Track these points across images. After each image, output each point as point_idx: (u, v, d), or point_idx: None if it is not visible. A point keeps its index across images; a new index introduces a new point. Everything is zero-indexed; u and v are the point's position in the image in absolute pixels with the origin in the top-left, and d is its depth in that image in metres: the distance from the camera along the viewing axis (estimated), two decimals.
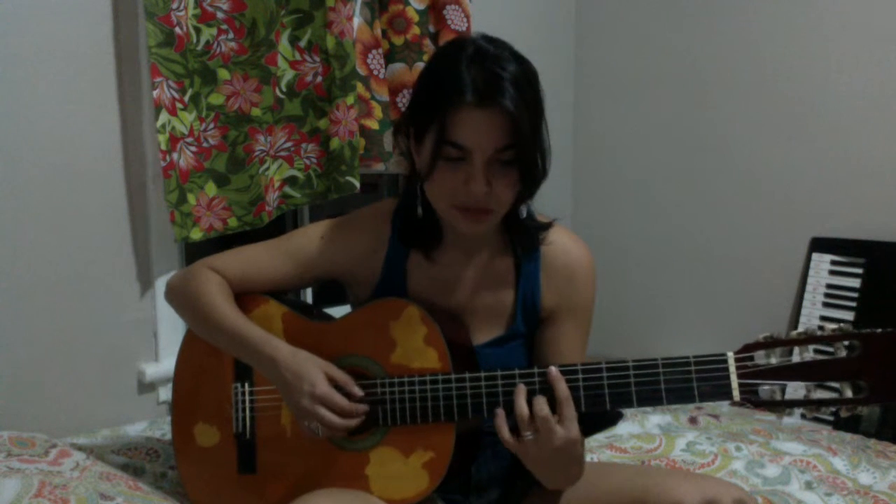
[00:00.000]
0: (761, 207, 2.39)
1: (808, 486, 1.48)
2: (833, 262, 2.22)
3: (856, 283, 2.16)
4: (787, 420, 1.94)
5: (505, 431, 0.98)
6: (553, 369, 0.99)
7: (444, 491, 1.16)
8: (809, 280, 2.25)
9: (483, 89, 0.99)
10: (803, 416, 2.15)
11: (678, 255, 2.61)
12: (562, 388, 0.98)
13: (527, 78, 1.03)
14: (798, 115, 2.29)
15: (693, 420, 1.84)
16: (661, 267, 2.66)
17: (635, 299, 2.71)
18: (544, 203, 1.20)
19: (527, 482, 1.23)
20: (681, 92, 2.56)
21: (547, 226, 1.17)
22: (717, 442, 1.66)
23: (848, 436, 1.79)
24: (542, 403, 0.97)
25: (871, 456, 1.63)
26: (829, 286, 2.21)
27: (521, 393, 0.99)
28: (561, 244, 1.18)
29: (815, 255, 2.26)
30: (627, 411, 1.88)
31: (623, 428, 1.76)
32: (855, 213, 2.20)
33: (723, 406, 2.07)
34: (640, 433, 1.74)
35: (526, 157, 1.02)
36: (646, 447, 1.66)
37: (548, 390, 1.00)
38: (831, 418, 2.13)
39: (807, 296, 2.25)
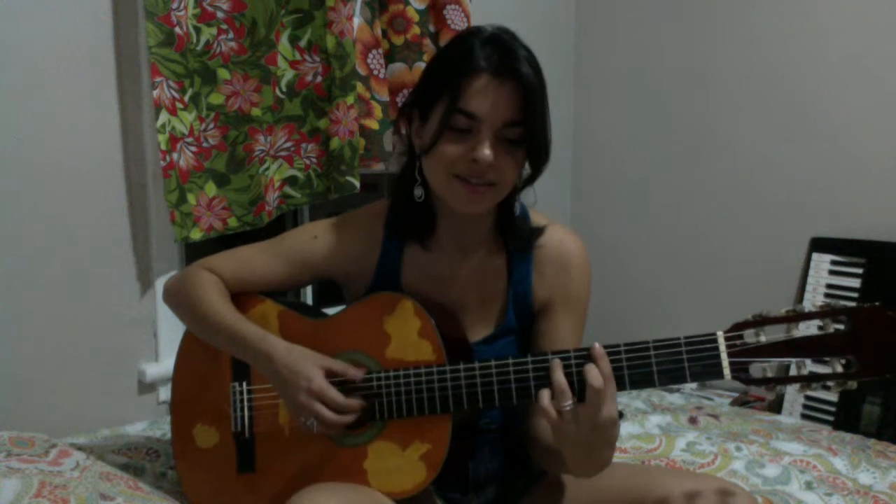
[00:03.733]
0: (761, 207, 2.39)
1: (808, 486, 1.48)
2: (833, 262, 2.22)
3: (856, 283, 2.16)
4: (786, 420, 1.95)
5: (546, 399, 0.96)
6: (597, 346, 0.98)
7: (443, 489, 1.17)
8: (809, 280, 2.25)
9: (499, 62, 1.02)
10: (803, 416, 2.16)
11: (677, 255, 2.61)
12: (605, 364, 0.96)
13: (537, 64, 1.06)
14: (798, 115, 2.29)
15: (693, 420, 1.84)
16: (661, 267, 2.66)
17: (635, 299, 2.71)
18: (544, 202, 1.21)
19: (525, 480, 1.23)
20: (680, 92, 2.56)
21: (541, 230, 1.17)
22: (717, 442, 1.66)
23: (848, 436, 1.79)
24: (595, 373, 0.94)
25: (871, 456, 1.63)
26: (829, 286, 2.21)
27: (558, 367, 0.98)
28: (553, 236, 1.19)
29: (815, 255, 2.26)
30: (627, 411, 1.89)
31: (623, 428, 1.76)
32: (855, 213, 2.20)
33: (723, 406, 2.07)
34: (640, 433, 1.74)
35: (535, 133, 1.05)
36: (646, 447, 1.66)
37: (545, 378, 0.99)
38: (831, 418, 2.13)
39: (807, 296, 2.25)
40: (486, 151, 1.02)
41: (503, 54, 1.02)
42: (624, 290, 2.69)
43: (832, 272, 2.21)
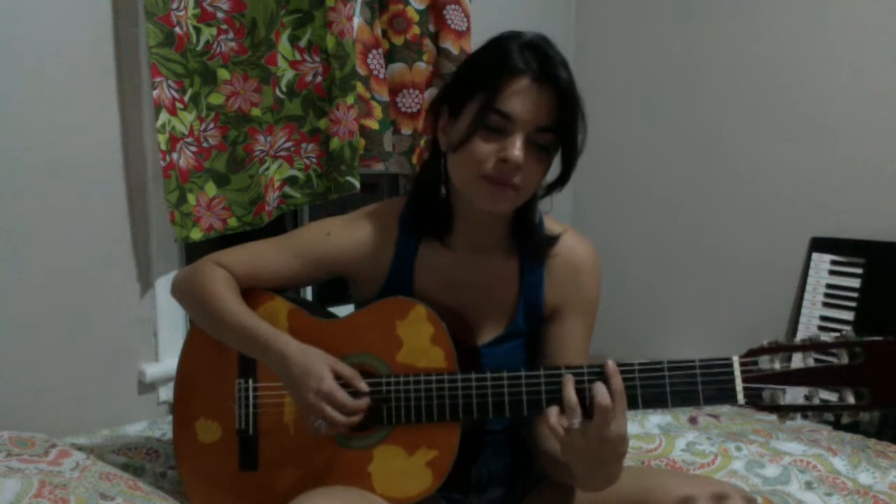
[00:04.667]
0: (761, 207, 2.39)
1: (808, 486, 1.48)
2: (833, 262, 2.22)
3: (856, 283, 2.16)
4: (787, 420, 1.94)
5: (553, 417, 0.96)
6: (610, 363, 0.98)
7: (445, 490, 1.16)
8: (809, 280, 2.25)
9: (539, 67, 1.03)
10: (804, 417, 2.16)
11: (678, 256, 2.61)
12: (617, 381, 0.96)
13: (572, 73, 1.06)
14: (798, 115, 2.29)
15: (693, 420, 1.84)
16: (661, 267, 2.66)
17: (635, 299, 2.71)
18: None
19: (527, 481, 1.23)
20: (680, 92, 2.56)
21: (555, 240, 1.18)
22: (717, 442, 1.66)
23: (848, 436, 1.79)
24: (603, 391, 0.95)
25: (871, 456, 1.63)
26: (829, 286, 2.21)
27: (569, 382, 0.98)
28: (565, 242, 1.19)
29: (815, 255, 2.26)
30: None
31: None
32: (855, 213, 2.20)
33: (723, 406, 2.07)
34: (640, 433, 1.74)
35: (568, 140, 1.05)
36: (646, 447, 1.66)
37: (557, 391, 0.99)
38: (831, 418, 2.13)
39: (807, 296, 2.25)
40: (517, 153, 1.02)
41: (543, 60, 1.03)
42: (624, 289, 2.69)
43: (832, 272, 2.21)
